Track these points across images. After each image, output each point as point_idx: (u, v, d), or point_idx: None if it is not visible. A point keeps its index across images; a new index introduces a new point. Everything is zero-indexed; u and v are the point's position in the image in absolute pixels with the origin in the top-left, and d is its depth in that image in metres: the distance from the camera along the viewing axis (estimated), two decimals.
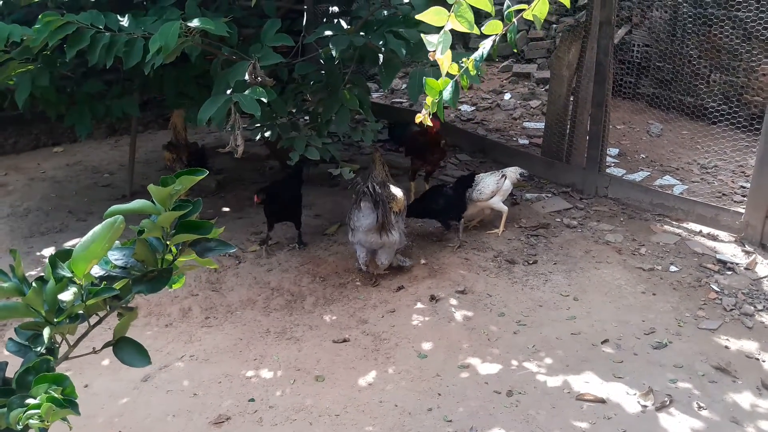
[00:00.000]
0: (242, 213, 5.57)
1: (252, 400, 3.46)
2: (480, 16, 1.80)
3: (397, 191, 4.52)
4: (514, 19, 1.84)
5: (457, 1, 1.71)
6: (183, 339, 4.01)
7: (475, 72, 1.89)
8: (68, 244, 5.02)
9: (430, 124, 1.97)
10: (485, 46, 1.86)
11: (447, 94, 1.86)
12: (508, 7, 1.83)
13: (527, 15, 1.82)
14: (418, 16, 1.79)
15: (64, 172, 6.58)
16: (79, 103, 5.03)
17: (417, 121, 1.94)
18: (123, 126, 7.44)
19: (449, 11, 1.73)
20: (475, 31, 1.77)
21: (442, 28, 1.74)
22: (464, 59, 1.89)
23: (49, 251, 4.97)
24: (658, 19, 7.44)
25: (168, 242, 1.61)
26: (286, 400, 3.45)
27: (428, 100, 1.88)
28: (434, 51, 1.76)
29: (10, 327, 4.05)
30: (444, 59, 1.78)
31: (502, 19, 1.82)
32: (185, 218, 1.61)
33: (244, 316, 4.22)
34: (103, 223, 1.45)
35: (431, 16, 1.74)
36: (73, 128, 5.11)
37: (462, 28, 1.72)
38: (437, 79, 1.87)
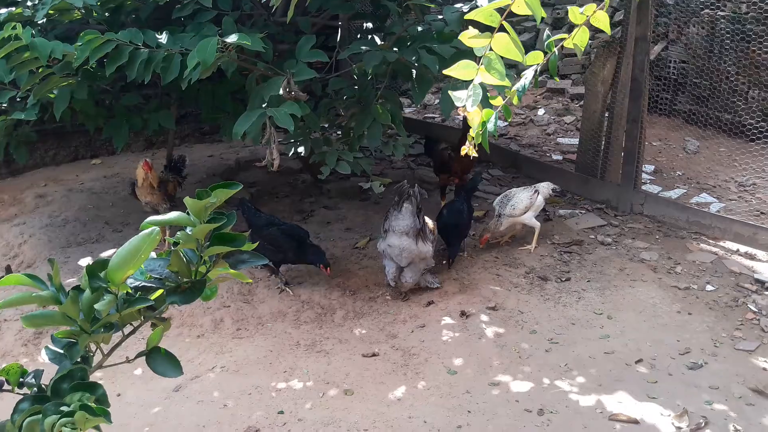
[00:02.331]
0: None
1: (281, 412, 3.47)
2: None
3: (426, 219, 4.49)
4: (555, 49, 1.82)
5: (486, 54, 1.63)
6: (214, 350, 4.05)
7: (519, 102, 1.86)
8: (104, 254, 5.11)
9: (475, 155, 1.88)
10: (527, 76, 1.85)
11: (491, 125, 1.79)
12: (548, 37, 1.81)
13: (568, 44, 1.80)
14: (445, 71, 1.71)
15: (102, 184, 6.71)
16: (117, 116, 5.15)
17: (462, 153, 1.89)
18: (160, 139, 7.60)
19: (478, 63, 1.64)
20: (506, 83, 1.69)
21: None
22: (507, 90, 1.85)
23: (85, 261, 5.07)
24: (695, 35, 7.35)
25: (202, 254, 1.63)
26: (315, 413, 3.45)
27: (471, 131, 1.81)
28: (463, 106, 1.68)
29: (45, 335, 4.13)
30: (474, 114, 1.71)
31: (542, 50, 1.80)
32: (219, 230, 1.63)
33: (275, 328, 4.24)
34: (140, 234, 1.47)
35: (459, 70, 1.65)
36: (111, 141, 5.21)
37: (493, 80, 1.65)
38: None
